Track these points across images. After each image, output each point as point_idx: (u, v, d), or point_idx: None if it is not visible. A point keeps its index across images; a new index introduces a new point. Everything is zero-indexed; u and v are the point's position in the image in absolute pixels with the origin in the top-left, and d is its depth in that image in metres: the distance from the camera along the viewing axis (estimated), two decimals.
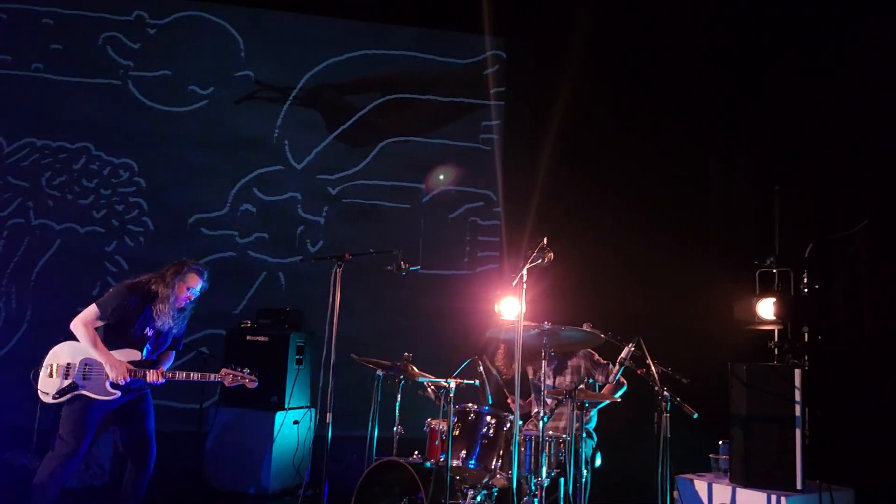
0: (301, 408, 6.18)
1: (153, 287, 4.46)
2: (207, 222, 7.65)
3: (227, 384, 4.57)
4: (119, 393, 4.39)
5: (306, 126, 7.91)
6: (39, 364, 4.41)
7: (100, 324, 4.40)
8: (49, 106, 7.51)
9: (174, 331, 4.59)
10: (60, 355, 4.40)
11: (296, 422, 6.03)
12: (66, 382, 4.34)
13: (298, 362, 6.15)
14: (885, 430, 5.30)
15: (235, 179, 7.74)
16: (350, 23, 7.97)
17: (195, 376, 4.60)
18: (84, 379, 4.37)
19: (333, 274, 4.74)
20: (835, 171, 5.82)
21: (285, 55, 7.91)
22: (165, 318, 4.45)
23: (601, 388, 4.80)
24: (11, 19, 7.56)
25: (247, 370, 4.61)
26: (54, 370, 4.37)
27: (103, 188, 7.55)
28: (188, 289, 4.49)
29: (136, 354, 4.44)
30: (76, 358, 4.38)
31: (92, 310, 4.38)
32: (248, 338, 6.15)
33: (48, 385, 4.35)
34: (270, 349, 6.07)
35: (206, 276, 4.58)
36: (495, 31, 7.72)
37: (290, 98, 7.91)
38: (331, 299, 4.69)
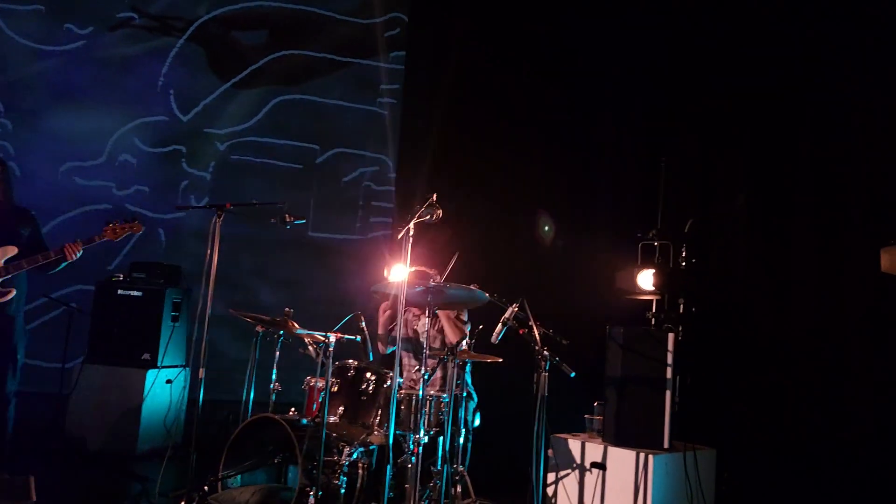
0: (175, 366, 5.91)
1: None
2: (81, 171, 7.18)
3: (114, 238, 4.54)
4: None
5: (194, 76, 7.52)
6: None
7: None
8: None
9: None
10: None
11: (169, 381, 5.76)
12: None
13: (174, 319, 5.87)
14: (744, 398, 5.59)
15: (114, 127, 7.28)
16: None
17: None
18: None
19: (213, 224, 4.53)
20: (718, 148, 6.02)
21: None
22: None
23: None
24: None
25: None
26: None
27: None
28: None
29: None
30: None
31: None
32: (119, 292, 5.81)
33: None
34: (144, 305, 5.78)
35: None
36: None
37: (177, 46, 7.49)
38: (209, 250, 4.48)
